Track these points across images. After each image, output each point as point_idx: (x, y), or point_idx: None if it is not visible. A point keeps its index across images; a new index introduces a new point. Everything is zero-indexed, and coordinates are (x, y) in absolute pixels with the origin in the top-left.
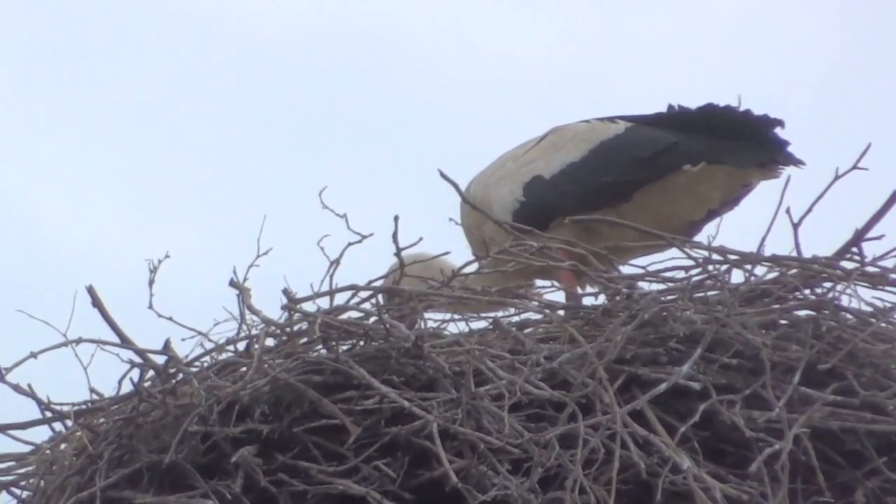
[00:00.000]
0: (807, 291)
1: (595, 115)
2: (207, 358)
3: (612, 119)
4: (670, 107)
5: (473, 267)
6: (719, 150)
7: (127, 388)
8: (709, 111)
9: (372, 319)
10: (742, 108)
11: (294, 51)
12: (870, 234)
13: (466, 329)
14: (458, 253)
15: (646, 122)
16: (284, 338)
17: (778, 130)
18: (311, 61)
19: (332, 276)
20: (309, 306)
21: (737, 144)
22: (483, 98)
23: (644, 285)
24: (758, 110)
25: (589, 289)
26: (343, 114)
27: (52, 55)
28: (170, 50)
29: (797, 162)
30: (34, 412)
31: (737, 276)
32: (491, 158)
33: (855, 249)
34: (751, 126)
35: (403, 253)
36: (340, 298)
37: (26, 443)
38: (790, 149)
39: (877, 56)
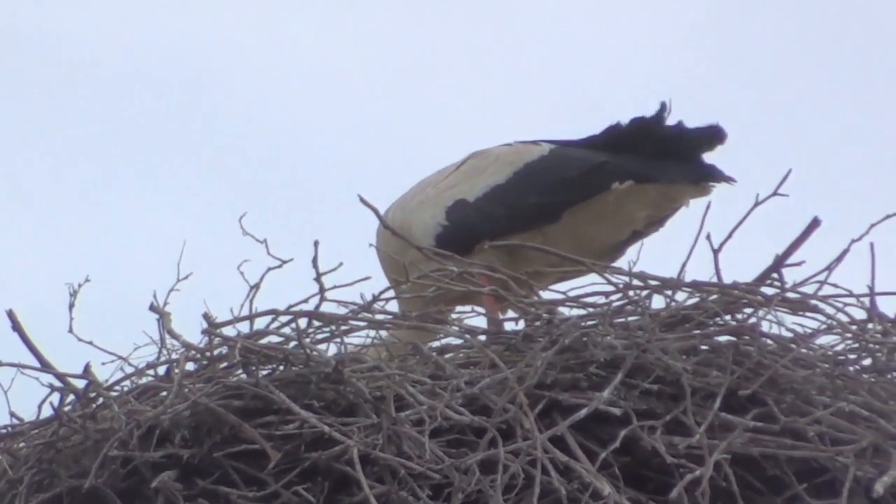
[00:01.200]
0: (727, 317)
1: (516, 139)
2: (128, 382)
3: (535, 142)
4: (601, 132)
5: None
6: (649, 168)
7: (47, 412)
8: (638, 127)
9: (292, 344)
10: (670, 119)
11: (197, 74)
12: (790, 260)
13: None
14: (378, 278)
15: (571, 144)
16: (205, 362)
17: (712, 148)
18: (221, 87)
19: (252, 301)
20: (229, 331)
21: (667, 163)
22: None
23: (565, 311)
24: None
25: (510, 314)
26: (260, 139)
27: None
28: (89, 71)
29: (728, 179)
30: None
31: (657, 302)
32: (407, 186)
33: (775, 275)
34: (682, 145)
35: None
36: (260, 323)
37: None
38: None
39: (794, 82)
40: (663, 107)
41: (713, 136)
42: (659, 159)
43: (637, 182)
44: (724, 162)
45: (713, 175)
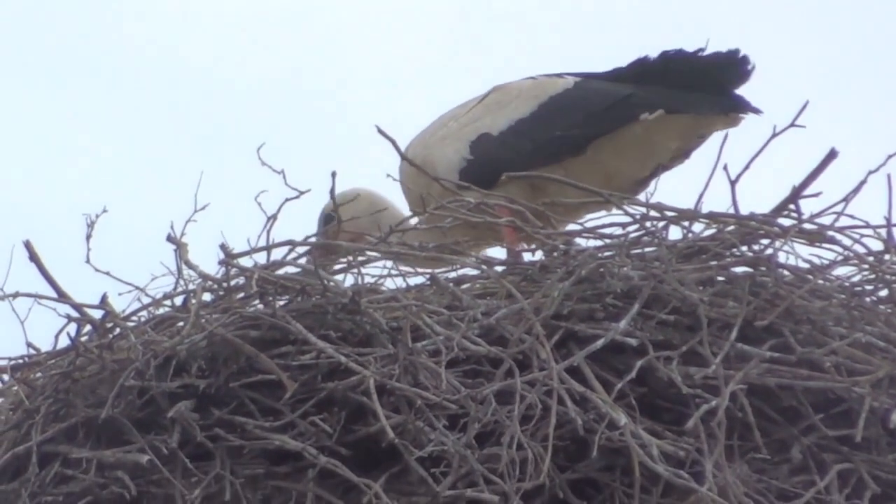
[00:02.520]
0: (744, 248)
1: (539, 73)
2: (144, 313)
3: (559, 75)
4: (628, 64)
5: (412, 222)
6: (678, 99)
7: (64, 342)
8: (669, 62)
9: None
10: (701, 51)
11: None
12: (807, 192)
13: (404, 285)
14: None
15: (596, 77)
16: (222, 293)
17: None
18: (239, 20)
19: (269, 232)
20: (246, 261)
21: (695, 94)
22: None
23: (581, 242)
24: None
25: (527, 245)
26: (277, 70)
27: None
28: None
29: (756, 110)
30: None
31: (674, 233)
32: (428, 120)
33: (792, 206)
34: (710, 75)
35: (355, 187)
36: (277, 254)
37: None
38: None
39: (811, 13)
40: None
41: (739, 64)
42: (687, 91)
43: (667, 112)
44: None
45: (742, 106)
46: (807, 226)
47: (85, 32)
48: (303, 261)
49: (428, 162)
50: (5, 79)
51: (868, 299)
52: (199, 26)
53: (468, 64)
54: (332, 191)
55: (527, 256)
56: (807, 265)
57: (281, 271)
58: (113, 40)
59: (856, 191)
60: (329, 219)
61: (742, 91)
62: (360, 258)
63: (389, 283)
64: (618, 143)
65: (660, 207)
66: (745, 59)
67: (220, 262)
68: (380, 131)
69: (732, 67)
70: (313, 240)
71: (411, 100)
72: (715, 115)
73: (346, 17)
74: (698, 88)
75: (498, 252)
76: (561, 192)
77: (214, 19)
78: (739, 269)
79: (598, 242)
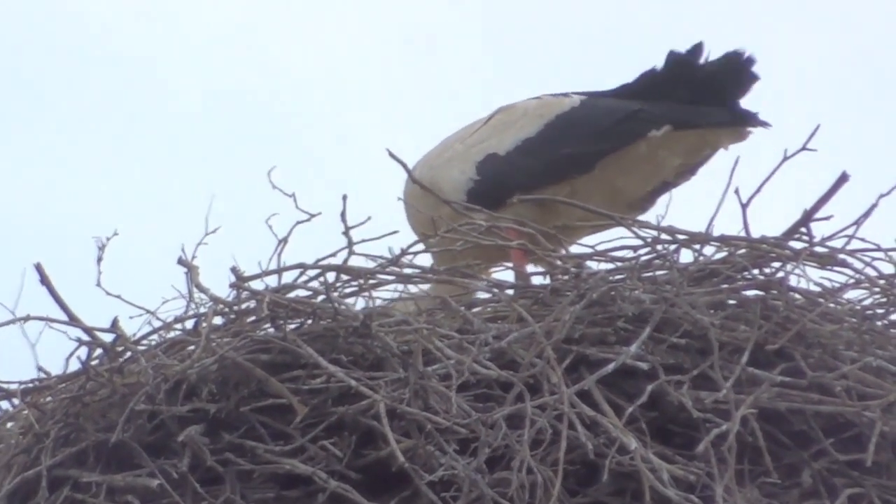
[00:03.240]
0: (755, 271)
1: (543, 93)
2: (155, 336)
3: (564, 94)
4: (632, 81)
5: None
6: (685, 113)
7: (74, 366)
8: (674, 65)
9: (320, 298)
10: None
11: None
12: (818, 215)
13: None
14: (407, 232)
15: (601, 95)
16: (232, 316)
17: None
18: (253, 37)
19: (280, 255)
20: (257, 285)
21: (703, 108)
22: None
23: (592, 265)
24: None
25: (538, 268)
26: (289, 93)
27: None
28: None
29: (764, 123)
30: None
31: (685, 256)
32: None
33: (803, 230)
34: (716, 86)
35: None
36: (288, 277)
37: None
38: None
39: (823, 35)
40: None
41: (739, 64)
42: (694, 104)
43: (675, 128)
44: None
45: (749, 119)
46: (818, 249)
47: (94, 55)
48: (314, 284)
49: (434, 183)
50: (15, 102)
51: (879, 323)
52: (211, 49)
53: (470, 84)
54: (343, 213)
55: (536, 279)
56: (818, 288)
57: (292, 294)
58: (124, 62)
59: (867, 214)
60: None
61: (750, 103)
62: (371, 281)
63: (401, 307)
64: (625, 159)
65: (671, 230)
66: (749, 60)
67: (231, 286)
68: (391, 154)
69: (737, 70)
70: (325, 262)
71: (419, 123)
72: (722, 129)
73: (354, 38)
74: (705, 101)
75: (507, 275)
76: (569, 212)
77: (226, 41)
78: (751, 293)
79: (610, 265)
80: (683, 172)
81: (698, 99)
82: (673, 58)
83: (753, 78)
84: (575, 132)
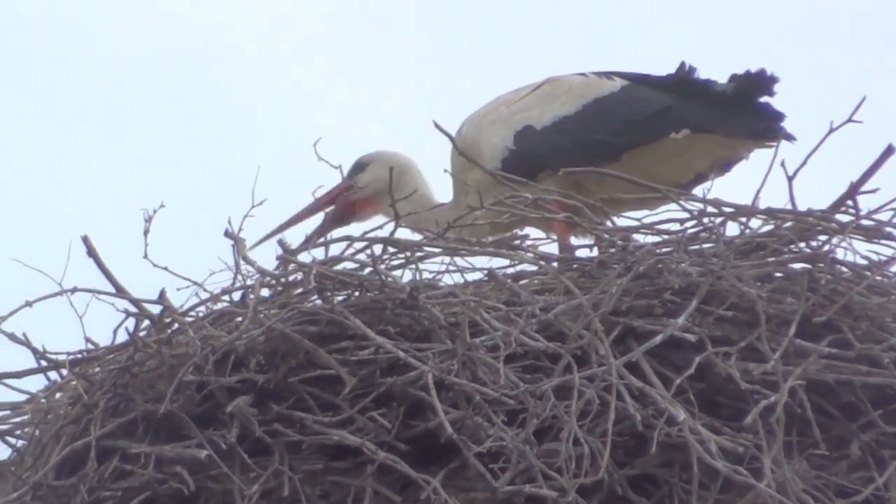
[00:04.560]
0: (802, 244)
1: (592, 69)
2: (203, 308)
3: (608, 75)
4: (681, 65)
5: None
6: (710, 118)
7: (122, 337)
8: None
9: (367, 270)
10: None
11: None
12: (865, 188)
13: (462, 280)
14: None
15: (643, 80)
16: (280, 288)
17: (770, 96)
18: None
19: None
20: (304, 257)
21: (729, 113)
22: None
23: (639, 238)
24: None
25: (583, 240)
26: (338, 64)
27: None
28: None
29: (788, 137)
30: (29, 361)
31: (732, 229)
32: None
33: (850, 202)
34: (745, 95)
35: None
36: (336, 249)
37: (21, 392)
38: (783, 121)
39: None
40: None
41: (764, 81)
42: (723, 107)
43: (693, 132)
44: (800, 92)
45: (772, 133)
46: (864, 222)
47: (138, 29)
48: (361, 256)
49: (475, 143)
50: (64, 77)
51: None
52: (256, 25)
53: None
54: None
55: (583, 252)
56: (864, 261)
57: (339, 267)
58: (168, 37)
59: None
60: (357, 168)
61: (791, 90)
62: (418, 254)
63: (447, 279)
64: (652, 153)
65: (717, 203)
66: (772, 79)
67: (278, 258)
68: (436, 126)
69: (761, 86)
70: (372, 235)
71: (461, 88)
72: (743, 137)
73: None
74: (732, 108)
75: (553, 247)
76: (607, 188)
77: (272, 19)
78: (797, 266)
79: (656, 238)
80: (716, 168)
81: (727, 106)
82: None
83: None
84: (608, 119)
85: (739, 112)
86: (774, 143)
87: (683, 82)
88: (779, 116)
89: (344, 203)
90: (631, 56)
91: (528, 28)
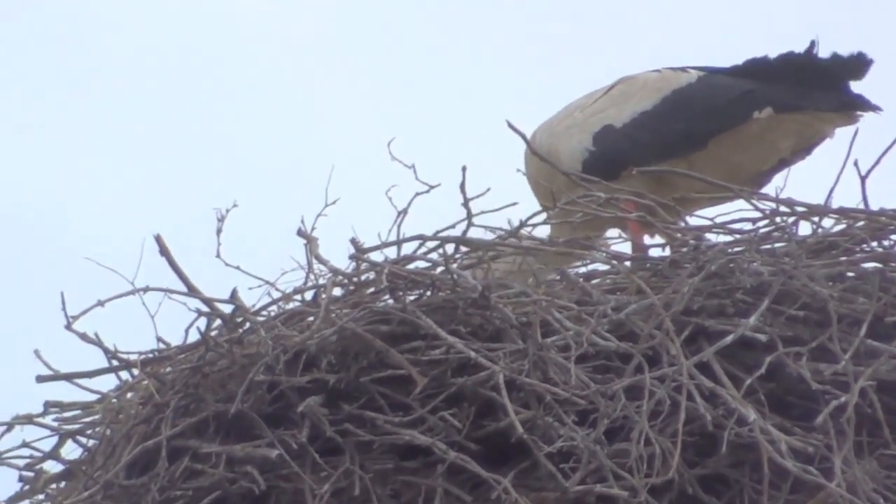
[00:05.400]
0: (874, 244)
1: (664, 66)
2: (274, 307)
3: (683, 69)
4: (748, 60)
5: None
6: (792, 96)
7: (194, 336)
8: (786, 60)
9: (439, 270)
10: (819, 54)
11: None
12: None
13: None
14: (526, 204)
15: (718, 71)
16: (352, 287)
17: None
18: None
19: (399, 226)
20: (376, 256)
21: (812, 91)
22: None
23: (711, 237)
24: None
25: (656, 240)
26: (412, 64)
27: None
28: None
29: (874, 108)
30: (101, 361)
31: (804, 229)
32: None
33: None
34: (829, 76)
35: None
36: (408, 248)
37: (93, 391)
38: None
39: None
40: (813, 44)
41: (859, 64)
42: (804, 88)
43: (776, 111)
44: (872, 88)
45: (859, 104)
46: None
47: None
48: (433, 255)
49: (552, 151)
50: (142, 76)
51: None
52: (330, 23)
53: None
54: (462, 185)
55: (654, 251)
56: None
57: (411, 266)
58: (252, 39)
59: None
60: None
61: (867, 83)
62: (490, 253)
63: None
64: (737, 138)
65: (790, 203)
66: (864, 58)
67: (351, 257)
68: (510, 126)
69: (852, 65)
70: (444, 234)
71: (537, 88)
72: (829, 112)
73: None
74: (816, 86)
75: (625, 246)
76: (687, 184)
77: (358, 18)
78: (869, 265)
79: (728, 238)
80: (799, 151)
81: (811, 83)
82: (786, 55)
83: (866, 67)
84: (689, 109)
85: (825, 90)
86: (861, 114)
87: (761, 69)
88: (860, 97)
89: None
90: (635, 59)
91: (529, 28)
